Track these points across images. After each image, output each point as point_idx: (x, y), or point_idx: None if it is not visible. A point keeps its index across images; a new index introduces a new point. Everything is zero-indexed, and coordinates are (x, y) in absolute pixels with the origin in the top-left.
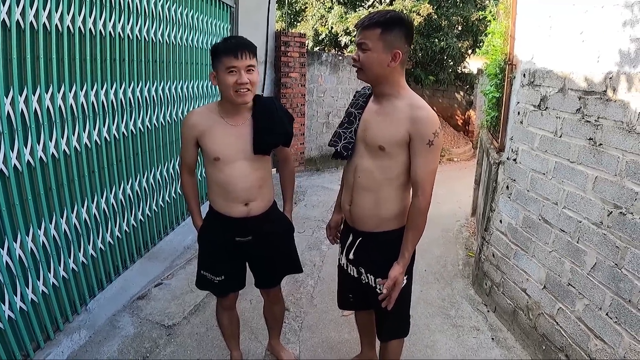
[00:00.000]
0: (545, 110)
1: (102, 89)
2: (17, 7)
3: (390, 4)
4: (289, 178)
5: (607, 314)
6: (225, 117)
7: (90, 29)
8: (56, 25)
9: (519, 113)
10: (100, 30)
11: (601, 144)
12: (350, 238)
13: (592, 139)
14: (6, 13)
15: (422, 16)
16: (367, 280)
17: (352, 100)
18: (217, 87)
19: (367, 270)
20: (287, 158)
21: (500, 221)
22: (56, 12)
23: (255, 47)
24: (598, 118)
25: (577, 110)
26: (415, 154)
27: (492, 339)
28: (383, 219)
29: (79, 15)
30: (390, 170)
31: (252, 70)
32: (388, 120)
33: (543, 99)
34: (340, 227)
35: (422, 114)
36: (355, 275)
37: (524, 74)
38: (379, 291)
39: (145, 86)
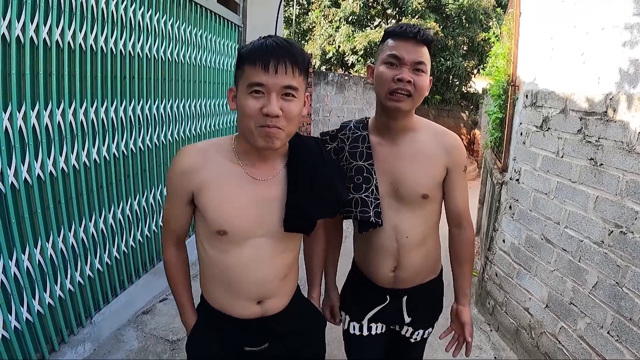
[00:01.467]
0: (547, 130)
1: (112, 106)
2: (31, 24)
3: (397, 22)
4: (321, 252)
5: (608, 332)
6: (244, 164)
7: (101, 47)
8: (69, 42)
9: (521, 134)
10: (111, 49)
11: (602, 164)
12: (388, 301)
13: (593, 159)
14: (20, 30)
15: None
16: (399, 330)
17: (341, 146)
18: (237, 113)
19: (405, 324)
20: (324, 226)
21: (504, 240)
22: (69, 30)
23: (305, 56)
24: (599, 138)
25: (578, 130)
26: (454, 185)
27: (495, 357)
28: (430, 267)
29: (91, 33)
30: (433, 214)
31: (292, 96)
32: (420, 161)
33: (545, 120)
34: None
35: (451, 140)
36: (383, 331)
37: (527, 95)
38: (412, 341)
39: (154, 103)
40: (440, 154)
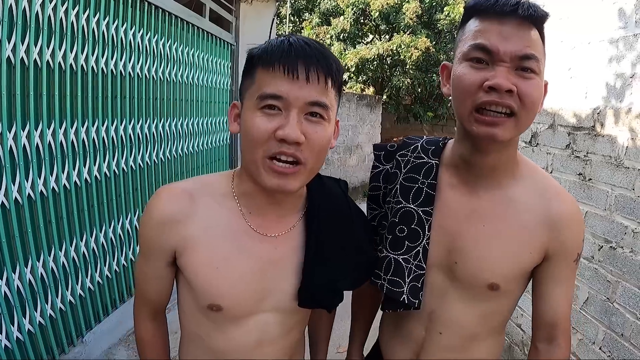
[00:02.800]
0: (536, 146)
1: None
2: (22, 44)
3: (390, 39)
4: (329, 322)
5: (600, 348)
6: (247, 213)
7: (92, 67)
8: (59, 63)
9: None
10: (102, 69)
11: (590, 179)
12: None
13: (581, 174)
14: (11, 50)
15: (420, 50)
16: None
17: (394, 172)
18: (240, 139)
19: None
20: None
21: None
22: (59, 50)
23: (340, 66)
24: (587, 153)
25: (566, 145)
26: (555, 281)
27: None
28: None
29: (82, 53)
30: (500, 313)
31: (321, 117)
32: (504, 231)
33: (534, 135)
34: None
35: (565, 210)
36: None
37: None
38: None
39: (146, 123)
40: (540, 228)
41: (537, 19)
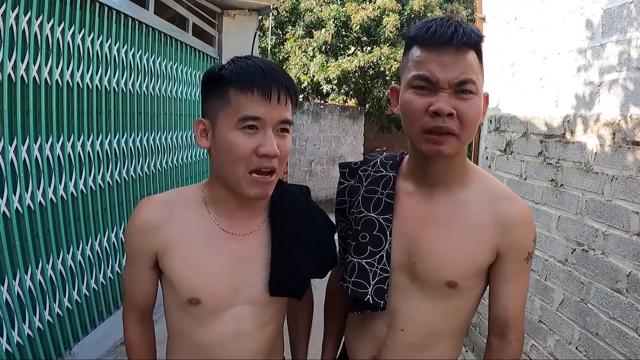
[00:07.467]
0: (510, 154)
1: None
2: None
3: (370, 51)
4: (307, 317)
5: (576, 348)
6: (217, 216)
7: (77, 82)
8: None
9: (487, 158)
10: (87, 84)
11: (562, 185)
12: None
13: (553, 180)
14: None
15: (400, 62)
16: None
17: (357, 186)
18: (210, 155)
19: None
20: (309, 289)
21: None
22: (46, 67)
23: (295, 85)
24: (558, 160)
25: (539, 153)
26: (506, 279)
27: None
28: None
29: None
30: (460, 311)
31: (287, 132)
32: (457, 232)
33: (508, 144)
34: None
35: (513, 212)
36: None
37: (490, 120)
38: None
39: (130, 137)
40: (491, 228)
41: (474, 43)
